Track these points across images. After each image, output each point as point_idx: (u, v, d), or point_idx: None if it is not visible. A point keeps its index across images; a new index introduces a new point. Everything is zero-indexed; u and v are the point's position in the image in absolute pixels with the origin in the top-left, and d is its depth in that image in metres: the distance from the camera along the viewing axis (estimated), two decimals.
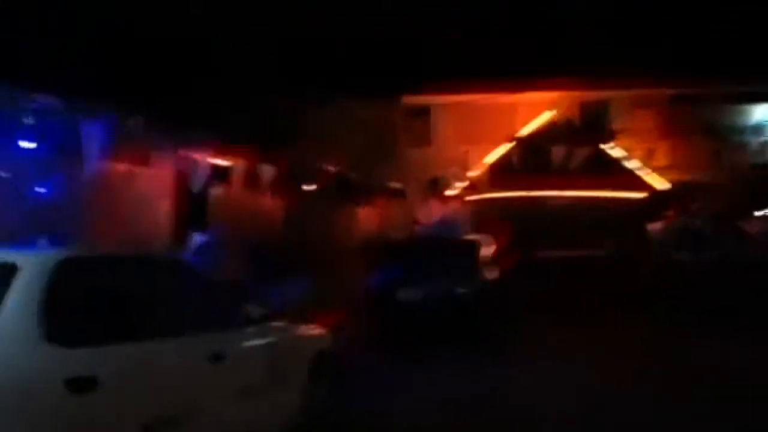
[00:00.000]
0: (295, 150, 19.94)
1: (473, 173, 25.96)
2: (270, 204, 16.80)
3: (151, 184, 13.19)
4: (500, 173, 24.59)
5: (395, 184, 23.35)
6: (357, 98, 28.88)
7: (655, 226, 18.91)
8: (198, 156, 12.95)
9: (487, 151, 26.24)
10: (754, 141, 26.73)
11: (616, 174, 25.30)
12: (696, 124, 29.08)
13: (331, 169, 18.36)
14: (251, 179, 14.78)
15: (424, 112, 31.75)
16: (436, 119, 31.85)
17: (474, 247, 15.04)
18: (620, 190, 24.72)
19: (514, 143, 26.46)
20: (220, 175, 14.34)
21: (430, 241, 16.42)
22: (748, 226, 18.86)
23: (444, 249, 14.99)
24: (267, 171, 14.66)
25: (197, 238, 11.07)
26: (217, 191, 14.66)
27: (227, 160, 14.03)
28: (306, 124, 28.18)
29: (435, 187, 20.72)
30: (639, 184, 25.91)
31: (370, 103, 29.73)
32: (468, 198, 27.08)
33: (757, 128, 29.92)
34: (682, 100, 30.30)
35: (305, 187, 16.85)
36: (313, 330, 8.00)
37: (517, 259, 18.23)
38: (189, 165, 12.53)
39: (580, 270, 17.26)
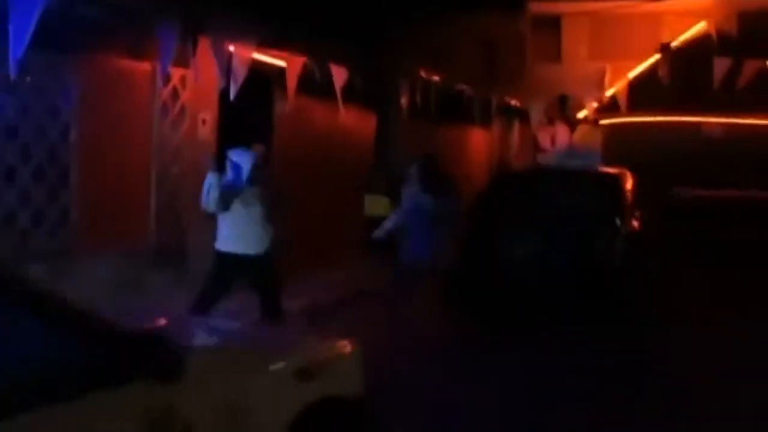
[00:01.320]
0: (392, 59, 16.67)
1: (610, 92, 22.02)
2: (351, 121, 13.54)
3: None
4: (643, 93, 20.54)
5: (516, 103, 19.73)
6: (474, 4, 25.29)
7: None
8: (238, 49, 9.63)
9: (626, 69, 22.19)
10: None
11: None
12: None
13: (435, 80, 14.92)
14: (318, 87, 11.41)
15: (554, 23, 27.97)
16: (567, 31, 28.01)
17: (618, 181, 11.31)
18: None
19: (660, 57, 22.30)
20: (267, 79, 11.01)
21: (556, 174, 12.53)
22: None
23: (576, 184, 11.29)
24: (339, 75, 11.25)
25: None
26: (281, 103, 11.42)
27: (281, 58, 10.63)
28: (411, 32, 24.90)
29: (563, 107, 17.02)
30: None
31: (489, 11, 26.11)
32: (603, 122, 23.28)
33: None
34: None
35: (402, 103, 13.45)
36: (319, 350, 4.44)
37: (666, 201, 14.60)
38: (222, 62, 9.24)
39: (751, 220, 13.43)
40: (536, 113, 16.05)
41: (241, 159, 7.63)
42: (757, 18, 26.84)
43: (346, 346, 4.45)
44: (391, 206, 14.06)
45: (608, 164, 21.91)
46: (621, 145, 21.85)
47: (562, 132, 26.14)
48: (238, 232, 7.61)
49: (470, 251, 10.15)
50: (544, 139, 26.29)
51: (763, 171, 17.40)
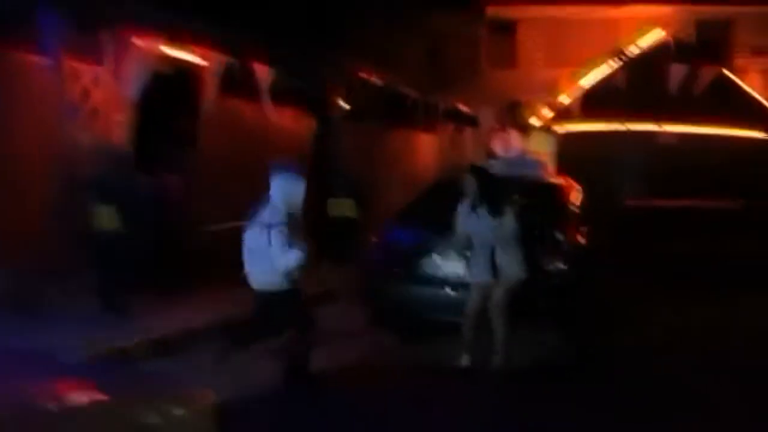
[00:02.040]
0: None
1: (565, 99, 21.37)
2: (286, 123, 12.65)
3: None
4: (598, 100, 19.88)
5: (464, 108, 19.02)
6: (425, 5, 24.58)
7: None
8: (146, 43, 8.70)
9: (583, 76, 21.53)
10: None
11: (743, 107, 20.45)
12: None
13: (377, 81, 14.10)
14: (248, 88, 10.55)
15: (510, 28, 27.39)
16: (523, 37, 27.45)
17: (560, 191, 10.11)
18: (748, 127, 19.90)
19: (616, 63, 21.72)
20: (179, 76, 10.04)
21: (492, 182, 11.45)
22: None
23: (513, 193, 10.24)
24: (263, 74, 10.36)
25: None
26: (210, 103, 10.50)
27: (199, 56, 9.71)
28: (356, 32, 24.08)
29: (514, 113, 16.28)
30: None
31: (442, 13, 25.42)
32: (558, 129, 22.63)
33: None
34: None
35: (341, 104, 12.62)
36: None
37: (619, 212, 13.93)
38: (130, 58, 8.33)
39: (707, 228, 12.75)
40: (486, 119, 15.31)
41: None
42: (715, 26, 26.55)
43: (200, 398, 3.57)
44: (355, 208, 13.58)
45: (562, 172, 21.31)
46: (575, 152, 21.16)
47: (515, 139, 25.45)
48: None
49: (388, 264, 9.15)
50: (496, 146, 25.58)
51: (719, 179, 16.82)
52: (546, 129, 23.05)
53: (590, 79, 19.89)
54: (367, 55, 14.94)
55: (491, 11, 26.13)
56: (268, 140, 12.16)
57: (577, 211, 9.66)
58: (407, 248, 8.86)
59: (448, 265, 8.63)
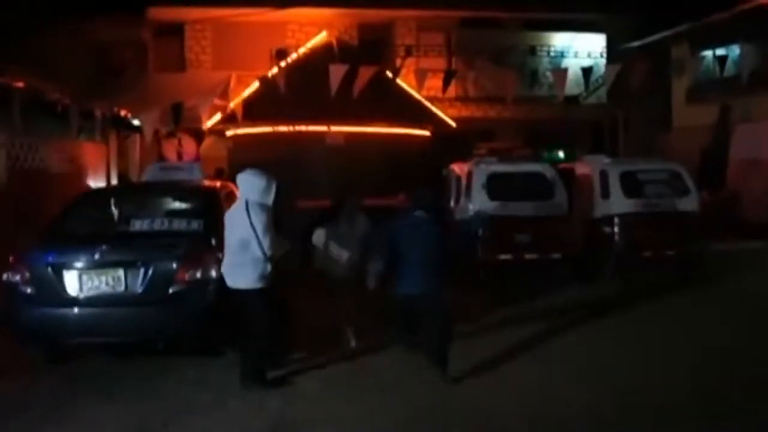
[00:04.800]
0: None
1: (233, 102, 21.14)
2: None
3: None
4: (267, 103, 19.83)
5: (127, 115, 18.21)
6: (86, 11, 23.37)
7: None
8: None
9: (252, 78, 21.37)
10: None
11: (402, 106, 21.37)
12: (490, 51, 25.83)
13: (18, 86, 12.99)
14: None
15: (177, 30, 26.67)
16: (191, 39, 26.88)
17: (214, 197, 9.59)
18: (409, 125, 20.82)
19: (277, 65, 21.89)
20: None
21: (142, 190, 10.90)
22: None
23: (163, 200, 9.71)
24: None
25: None
26: None
27: None
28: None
29: (177, 117, 15.72)
30: (429, 118, 22.20)
31: (107, 18, 24.30)
32: (229, 133, 22.37)
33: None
34: (474, 24, 27.06)
35: None
36: None
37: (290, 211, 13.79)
38: None
39: None
40: (148, 124, 14.58)
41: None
42: (377, 28, 27.56)
43: None
44: None
45: (232, 177, 21.04)
46: (246, 156, 20.98)
47: (188, 144, 24.93)
48: None
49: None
50: (169, 152, 24.90)
51: (384, 176, 17.40)
52: (217, 133, 22.73)
53: (257, 81, 19.78)
54: (27, 64, 13.71)
55: (154, 13, 25.25)
56: None
57: None
58: (42, 267, 8.21)
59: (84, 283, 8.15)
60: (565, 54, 27.25)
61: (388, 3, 25.60)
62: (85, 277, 8.10)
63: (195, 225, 8.74)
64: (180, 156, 24.46)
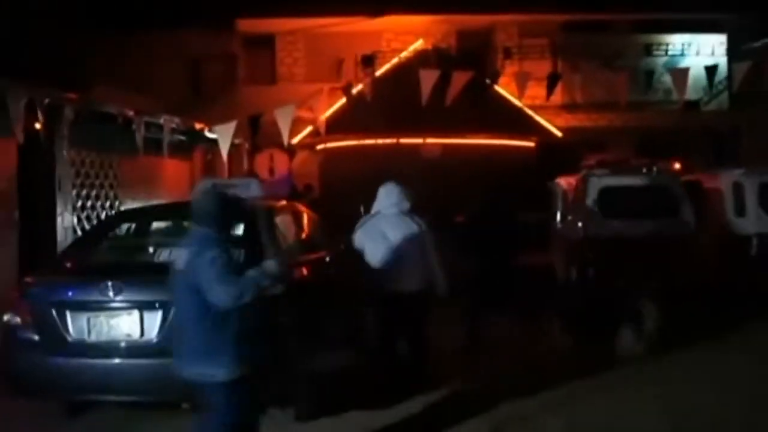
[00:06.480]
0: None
1: (325, 115, 19.99)
2: None
3: None
4: (359, 115, 18.61)
5: (203, 129, 17.27)
6: (175, 24, 22.76)
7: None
8: None
9: (342, 89, 20.16)
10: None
11: (504, 116, 19.88)
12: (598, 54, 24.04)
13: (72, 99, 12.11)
14: None
15: (268, 42, 25.85)
16: (282, 51, 25.99)
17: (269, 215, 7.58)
18: (511, 136, 19.33)
19: (365, 74, 20.65)
20: None
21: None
22: None
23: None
24: None
25: None
26: None
27: None
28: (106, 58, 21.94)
29: (255, 131, 14.66)
30: (532, 128, 20.64)
31: (194, 31, 23.65)
32: (320, 147, 21.28)
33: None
34: (578, 27, 25.37)
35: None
36: None
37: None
38: None
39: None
40: (224, 137, 13.51)
41: None
42: (476, 35, 26.16)
43: None
44: None
45: (325, 193, 20.08)
46: (336, 171, 19.91)
47: (280, 160, 23.93)
48: None
49: None
50: (261, 168, 23.97)
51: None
52: (308, 147, 21.70)
53: (350, 92, 18.61)
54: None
55: (244, 25, 24.47)
56: None
57: (295, 237, 7.93)
58: (44, 306, 6.71)
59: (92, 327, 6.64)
60: (685, 53, 25.20)
61: (488, 7, 24.08)
62: (93, 320, 6.62)
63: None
64: (272, 172, 23.58)
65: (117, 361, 6.60)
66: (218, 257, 5.07)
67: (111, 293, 6.58)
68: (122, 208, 13.13)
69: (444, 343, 9.27)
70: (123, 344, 6.60)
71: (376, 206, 7.78)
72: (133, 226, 8.26)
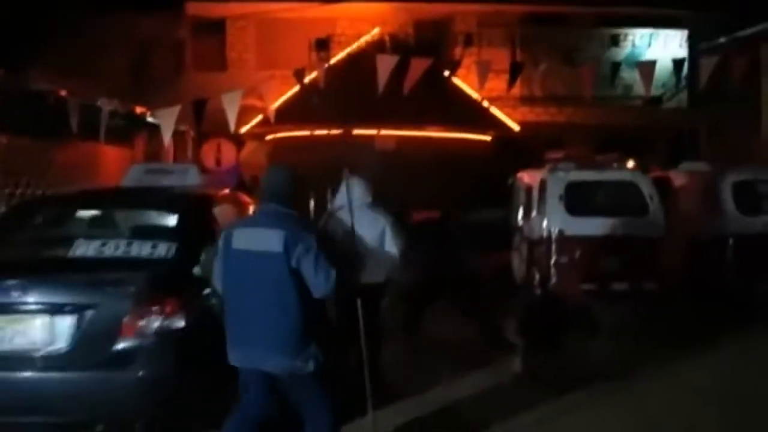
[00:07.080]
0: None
1: (275, 104, 19.09)
2: None
3: None
4: (311, 105, 17.73)
5: (144, 113, 16.32)
6: (122, 6, 21.74)
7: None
8: None
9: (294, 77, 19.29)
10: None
11: (462, 109, 19.16)
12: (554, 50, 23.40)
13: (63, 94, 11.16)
14: None
15: (219, 28, 24.86)
16: (233, 37, 25.01)
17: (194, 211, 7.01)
18: (468, 129, 18.61)
19: (330, 64, 19.77)
20: None
21: (108, 198, 7.92)
22: None
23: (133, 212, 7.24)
24: None
25: None
26: None
27: None
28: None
29: (199, 117, 13.70)
30: (490, 122, 19.97)
31: (141, 14, 22.63)
32: (269, 137, 20.37)
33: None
34: (539, 20, 24.73)
35: None
36: None
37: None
38: None
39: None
40: (166, 123, 12.55)
41: None
42: (434, 25, 25.43)
43: None
44: None
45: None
46: (288, 162, 19.01)
47: (227, 150, 23.00)
48: None
49: None
50: (207, 157, 23.04)
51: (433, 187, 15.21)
52: (257, 137, 20.82)
53: (302, 81, 17.75)
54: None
55: (194, 9, 23.47)
56: None
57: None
58: None
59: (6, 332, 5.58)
60: (644, 47, 24.68)
61: None
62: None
63: (162, 250, 6.09)
64: (218, 162, 22.71)
65: (22, 374, 5.58)
66: (318, 241, 4.97)
67: (16, 294, 5.61)
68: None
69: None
70: (29, 354, 5.57)
71: (340, 200, 7.22)
72: (50, 214, 7.26)
